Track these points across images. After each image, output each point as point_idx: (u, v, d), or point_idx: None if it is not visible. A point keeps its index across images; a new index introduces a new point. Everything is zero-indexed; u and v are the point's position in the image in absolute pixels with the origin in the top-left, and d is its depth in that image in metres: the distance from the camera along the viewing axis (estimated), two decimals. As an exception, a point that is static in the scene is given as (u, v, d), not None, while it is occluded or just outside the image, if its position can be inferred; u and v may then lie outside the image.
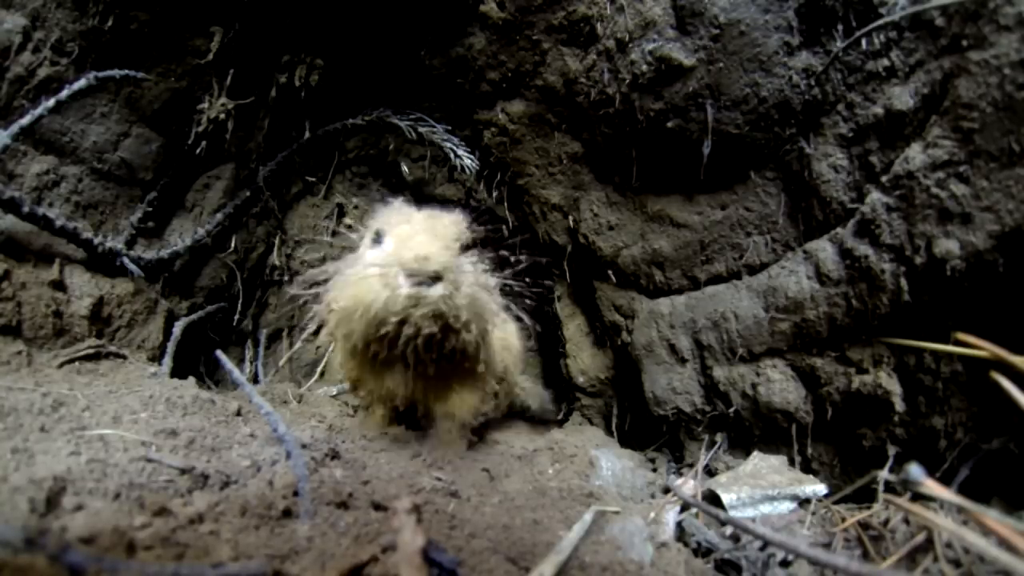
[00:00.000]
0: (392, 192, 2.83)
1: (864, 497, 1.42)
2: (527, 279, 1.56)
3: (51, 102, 1.64)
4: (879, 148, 1.45)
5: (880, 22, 1.37)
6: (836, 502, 1.43)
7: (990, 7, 1.17)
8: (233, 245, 2.40)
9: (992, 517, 0.74)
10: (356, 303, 1.28)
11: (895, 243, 1.36)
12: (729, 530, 1.28)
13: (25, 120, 1.61)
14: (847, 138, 1.51)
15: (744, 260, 1.83)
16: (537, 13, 1.93)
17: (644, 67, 1.74)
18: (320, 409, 1.92)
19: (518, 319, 1.63)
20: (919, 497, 1.07)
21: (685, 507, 1.37)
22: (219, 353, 1.57)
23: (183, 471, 1.05)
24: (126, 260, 1.92)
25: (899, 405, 1.41)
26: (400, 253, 1.25)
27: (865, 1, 1.41)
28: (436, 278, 1.23)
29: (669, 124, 1.79)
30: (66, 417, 1.19)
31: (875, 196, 1.40)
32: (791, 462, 1.66)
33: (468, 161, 2.41)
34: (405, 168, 2.76)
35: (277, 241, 2.68)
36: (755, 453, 1.68)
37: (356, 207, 2.88)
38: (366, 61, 2.40)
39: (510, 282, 1.53)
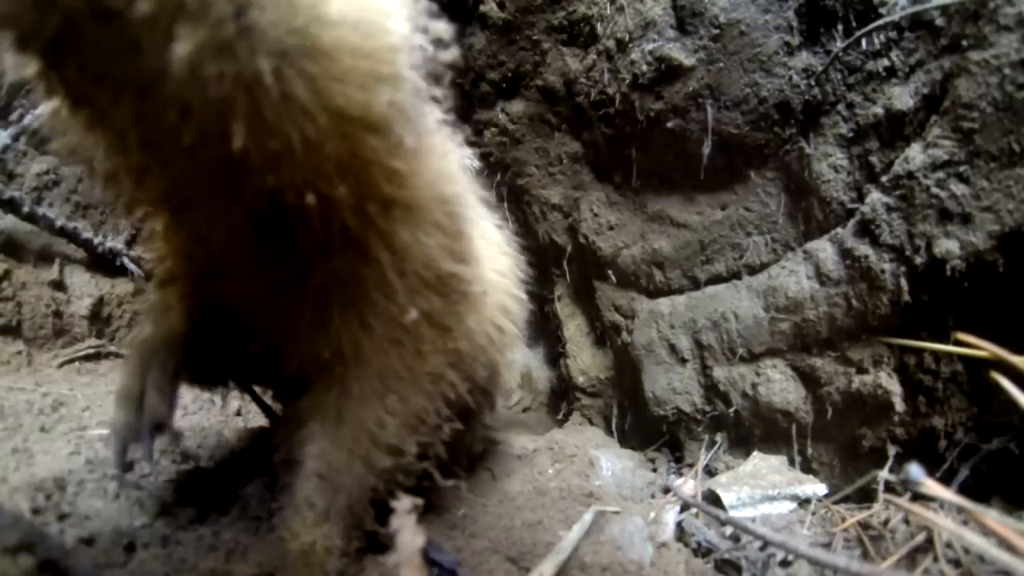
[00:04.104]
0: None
1: (864, 497, 1.42)
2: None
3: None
4: (879, 148, 1.45)
5: (880, 22, 1.37)
6: (836, 502, 1.43)
7: (990, 7, 1.17)
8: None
9: (992, 517, 0.74)
10: None
11: (895, 243, 1.36)
12: (729, 530, 1.28)
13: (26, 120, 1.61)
14: (847, 138, 1.51)
15: (744, 260, 1.83)
16: (537, 13, 1.93)
17: (644, 67, 1.74)
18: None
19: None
20: (919, 497, 1.06)
21: (685, 507, 1.37)
22: None
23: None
24: (126, 260, 1.92)
25: (899, 405, 1.41)
26: None
27: (865, 1, 1.41)
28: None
29: (669, 124, 1.79)
30: (66, 417, 1.19)
31: (875, 196, 1.40)
32: (791, 462, 1.66)
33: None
34: (405, 168, 2.75)
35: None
36: (755, 453, 1.68)
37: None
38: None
39: None
